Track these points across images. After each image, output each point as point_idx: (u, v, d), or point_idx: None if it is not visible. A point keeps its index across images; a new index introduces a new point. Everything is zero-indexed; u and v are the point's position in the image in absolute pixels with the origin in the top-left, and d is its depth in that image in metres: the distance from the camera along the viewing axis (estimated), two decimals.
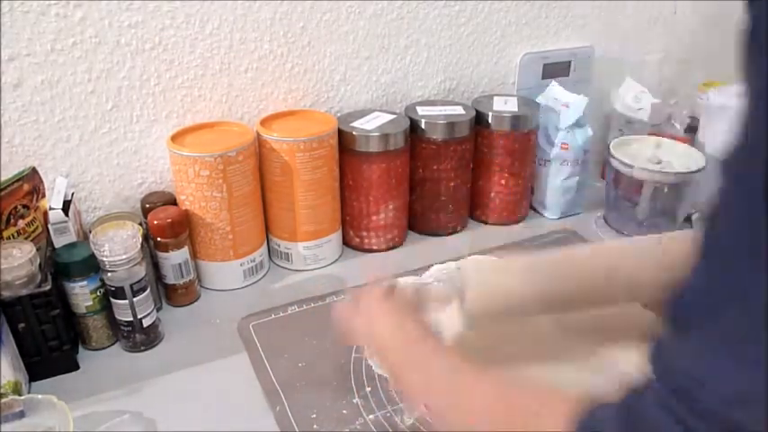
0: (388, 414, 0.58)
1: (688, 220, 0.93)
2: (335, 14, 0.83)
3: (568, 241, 0.89)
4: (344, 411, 0.58)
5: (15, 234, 0.64)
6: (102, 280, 0.64)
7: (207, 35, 0.76)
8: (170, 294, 0.74)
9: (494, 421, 0.41)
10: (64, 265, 0.63)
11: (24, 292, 0.59)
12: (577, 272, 0.58)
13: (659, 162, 0.86)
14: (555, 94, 0.93)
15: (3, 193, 0.62)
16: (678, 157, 0.88)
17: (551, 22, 1.00)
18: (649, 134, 0.97)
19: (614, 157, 0.88)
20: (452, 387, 0.45)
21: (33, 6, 0.66)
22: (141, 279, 0.65)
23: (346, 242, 0.88)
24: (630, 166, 0.86)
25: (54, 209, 0.66)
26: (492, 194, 0.93)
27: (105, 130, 0.75)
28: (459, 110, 0.88)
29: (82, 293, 0.64)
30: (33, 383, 0.62)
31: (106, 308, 0.66)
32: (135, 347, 0.67)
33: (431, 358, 0.48)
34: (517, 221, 0.95)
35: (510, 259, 0.62)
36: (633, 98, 1.02)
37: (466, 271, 0.58)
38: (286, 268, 0.83)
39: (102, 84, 0.73)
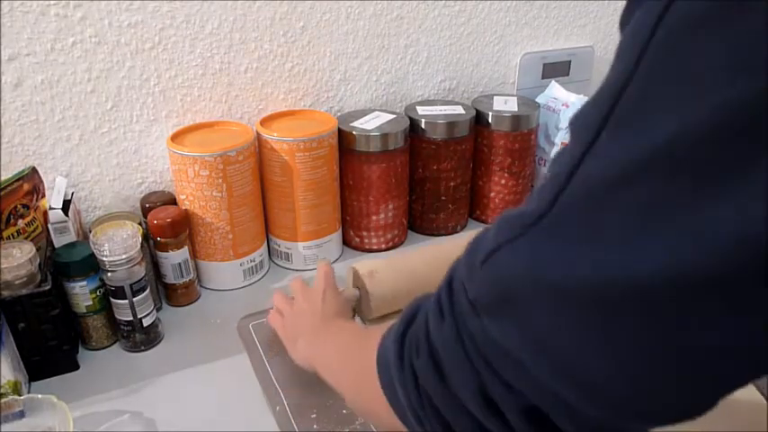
0: None
1: None
2: (335, 14, 0.83)
3: None
4: (344, 411, 0.58)
5: (15, 234, 0.64)
6: (102, 280, 0.64)
7: (207, 35, 0.76)
8: (170, 294, 0.74)
9: (341, 360, 0.49)
10: (64, 264, 0.63)
11: (24, 291, 0.59)
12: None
13: None
14: (555, 93, 0.93)
15: (3, 192, 0.62)
16: None
17: (551, 22, 1.00)
18: None
19: None
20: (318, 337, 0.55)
21: (33, 6, 0.66)
22: (141, 279, 0.65)
23: (346, 242, 0.88)
24: None
25: (54, 209, 0.66)
26: (492, 194, 0.93)
27: (105, 129, 0.75)
28: (459, 110, 0.88)
29: (82, 293, 0.64)
30: (33, 383, 0.62)
31: (106, 308, 0.66)
32: (135, 347, 0.67)
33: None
34: None
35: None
36: None
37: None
38: (286, 268, 0.83)
39: (101, 83, 0.73)
